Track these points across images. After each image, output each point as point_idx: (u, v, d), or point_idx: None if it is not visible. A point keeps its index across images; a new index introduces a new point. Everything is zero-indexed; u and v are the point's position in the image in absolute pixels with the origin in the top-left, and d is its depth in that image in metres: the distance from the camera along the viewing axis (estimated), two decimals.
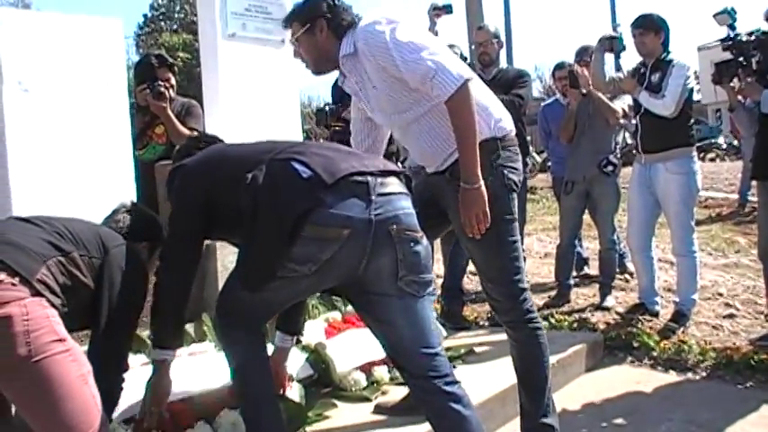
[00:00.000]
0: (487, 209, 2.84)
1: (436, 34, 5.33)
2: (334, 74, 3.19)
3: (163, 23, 44.81)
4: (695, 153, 5.27)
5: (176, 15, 44.48)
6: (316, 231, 2.32)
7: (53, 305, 2.22)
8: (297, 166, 2.39)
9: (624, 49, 5.36)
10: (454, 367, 4.00)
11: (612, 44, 5.25)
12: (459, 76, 2.77)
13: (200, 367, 3.22)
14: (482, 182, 2.83)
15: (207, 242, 3.60)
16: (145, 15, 43.77)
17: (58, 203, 3.36)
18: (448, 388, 2.52)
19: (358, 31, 2.92)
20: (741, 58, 4.64)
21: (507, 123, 3.09)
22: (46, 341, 2.11)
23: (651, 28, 5.11)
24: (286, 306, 2.82)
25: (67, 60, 3.74)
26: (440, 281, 5.40)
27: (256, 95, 4.78)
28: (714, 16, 4.79)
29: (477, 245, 2.99)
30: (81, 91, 3.78)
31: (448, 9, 5.64)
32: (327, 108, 5.92)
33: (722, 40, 4.78)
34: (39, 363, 2.08)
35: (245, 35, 4.69)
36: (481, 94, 3.04)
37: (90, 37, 3.86)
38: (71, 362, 2.16)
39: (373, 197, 2.38)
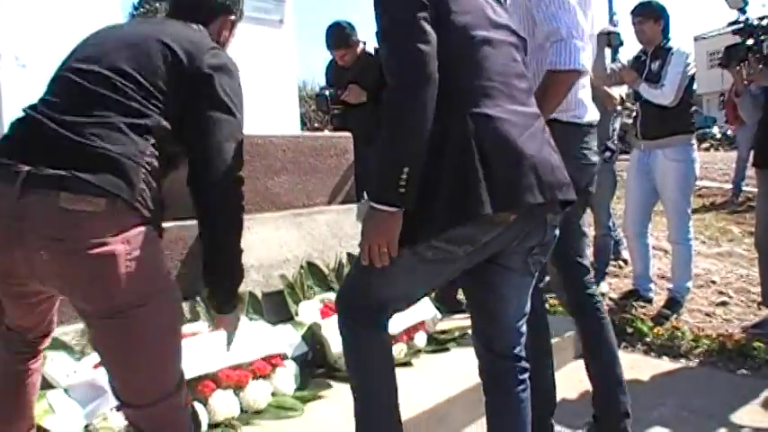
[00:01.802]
0: None
1: None
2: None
3: (158, 4, 44.59)
4: (694, 141, 5.28)
5: None
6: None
7: (151, 222, 1.99)
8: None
9: (622, 44, 5.35)
10: (448, 350, 4.08)
11: (611, 39, 5.24)
12: (577, 60, 2.62)
13: (194, 348, 3.20)
14: None
15: None
16: None
17: None
18: (521, 376, 2.42)
19: None
20: (751, 42, 4.63)
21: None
22: (148, 284, 1.94)
23: (650, 15, 5.10)
24: (415, 299, 2.42)
25: (66, 35, 3.71)
26: None
27: (252, 76, 4.74)
28: None
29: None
30: None
31: None
32: (327, 92, 5.92)
33: (732, 23, 4.76)
34: (138, 309, 1.91)
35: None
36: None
37: (88, 12, 3.83)
38: (168, 310, 2.04)
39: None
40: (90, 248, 1.83)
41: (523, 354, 2.42)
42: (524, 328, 2.43)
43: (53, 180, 1.82)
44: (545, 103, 2.55)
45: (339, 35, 5.83)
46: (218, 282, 2.24)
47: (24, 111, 2.02)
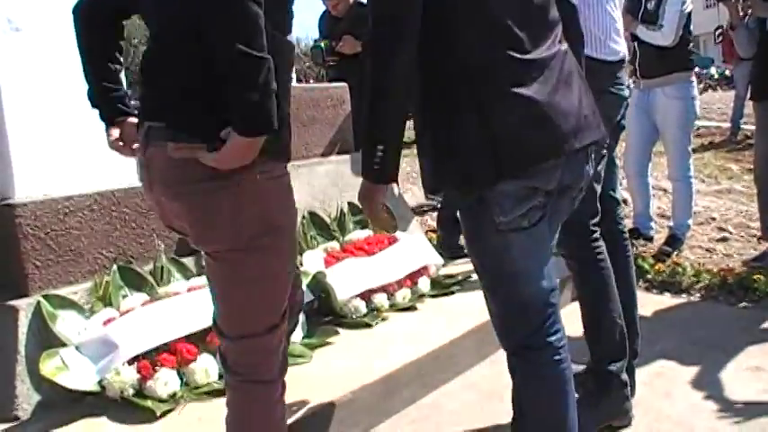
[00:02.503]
0: None
1: None
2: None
3: None
4: (694, 78, 5.27)
5: None
6: None
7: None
8: None
9: None
10: (452, 293, 4.13)
11: None
12: None
13: (201, 302, 3.24)
14: None
15: None
16: None
17: (57, 150, 3.35)
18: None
19: None
20: None
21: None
22: (249, 229, 1.95)
23: None
24: (543, 274, 2.13)
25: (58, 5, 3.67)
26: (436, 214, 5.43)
27: None
28: None
29: None
30: (72, 30, 3.71)
31: None
32: (322, 44, 5.89)
33: None
34: (237, 253, 1.96)
35: None
36: None
37: None
38: (267, 256, 2.01)
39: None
40: (191, 192, 1.90)
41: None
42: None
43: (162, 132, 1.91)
44: None
45: None
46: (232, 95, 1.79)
47: None
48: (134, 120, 2.15)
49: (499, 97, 1.95)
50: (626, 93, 3.05)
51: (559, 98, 1.99)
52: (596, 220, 2.83)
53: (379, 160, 1.93)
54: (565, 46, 2.12)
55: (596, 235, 2.83)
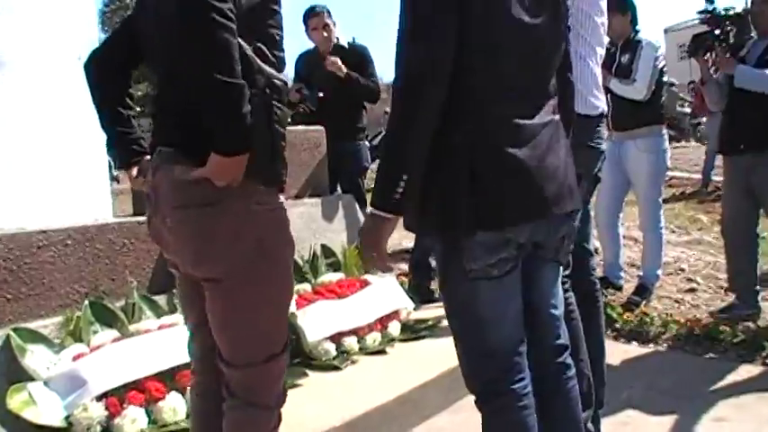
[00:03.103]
0: None
1: None
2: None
3: (129, 1, 44.27)
4: (665, 131, 5.38)
5: None
6: None
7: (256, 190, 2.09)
8: None
9: None
10: (422, 338, 4.16)
11: None
12: None
13: (172, 340, 3.24)
14: None
15: None
16: None
17: (33, 183, 3.37)
18: (569, 373, 2.35)
19: None
20: (718, 32, 4.72)
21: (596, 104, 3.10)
22: (241, 256, 2.06)
23: (617, 9, 5.15)
24: (511, 326, 2.17)
25: (43, 34, 3.71)
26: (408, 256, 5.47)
27: None
28: None
29: None
30: (54, 65, 3.76)
31: None
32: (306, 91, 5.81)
33: (700, 12, 4.85)
34: (228, 280, 2.07)
35: None
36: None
37: (62, 13, 3.84)
38: (260, 284, 2.12)
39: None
40: (193, 212, 2.03)
41: (567, 343, 2.37)
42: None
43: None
44: None
45: (315, 7, 5.76)
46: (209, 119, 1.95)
47: None
48: (149, 157, 2.27)
49: (493, 156, 2.01)
50: (604, 146, 3.12)
51: (546, 165, 2.06)
52: (567, 272, 2.87)
53: (402, 190, 1.95)
54: (557, 116, 2.19)
55: (566, 286, 2.86)
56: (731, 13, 4.79)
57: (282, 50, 2.23)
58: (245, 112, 1.89)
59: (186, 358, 3.06)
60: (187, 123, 2.00)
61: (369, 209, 2.05)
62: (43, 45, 3.71)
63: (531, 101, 2.10)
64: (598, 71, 3.04)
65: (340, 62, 5.43)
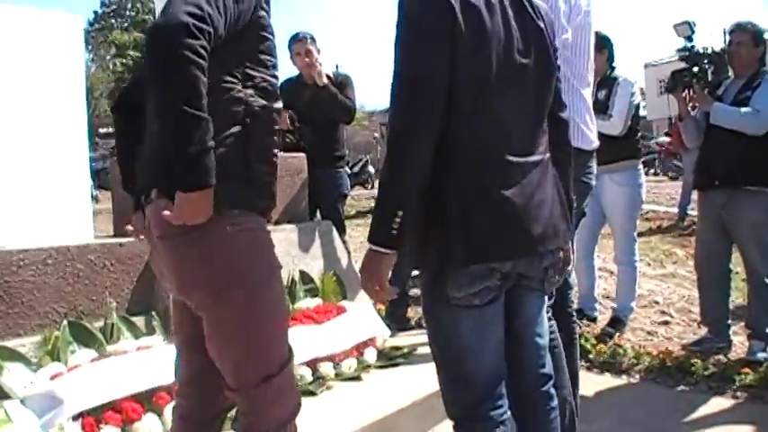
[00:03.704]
0: None
1: None
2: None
3: (113, 21, 44.38)
4: (641, 166, 5.48)
5: (127, 13, 44.11)
6: None
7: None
8: None
9: None
10: (397, 365, 4.19)
11: None
12: None
13: (149, 361, 3.26)
14: None
15: None
16: (95, 12, 43.29)
17: (15, 203, 3.39)
18: (552, 403, 2.39)
19: None
20: (696, 69, 4.82)
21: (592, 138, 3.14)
22: (220, 279, 2.09)
23: (595, 46, 5.25)
24: (493, 357, 2.22)
25: (24, 54, 3.75)
26: None
27: None
28: (674, 26, 4.91)
29: None
30: (38, 86, 3.79)
31: None
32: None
33: (679, 50, 4.94)
34: (212, 303, 2.12)
35: None
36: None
37: (49, 32, 3.88)
38: (244, 305, 2.13)
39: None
40: (171, 241, 2.09)
41: (551, 373, 2.40)
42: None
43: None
44: None
45: (299, 33, 5.81)
46: (164, 148, 2.02)
47: None
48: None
49: (484, 194, 2.07)
50: (593, 182, 3.18)
51: (534, 204, 2.13)
52: (551, 302, 2.93)
53: (398, 226, 1.99)
54: (548, 155, 2.26)
55: (549, 314, 2.92)
56: (709, 51, 4.90)
57: (275, 77, 2.25)
58: (207, 147, 1.90)
59: (164, 380, 3.11)
60: (163, 161, 2.04)
61: (369, 245, 2.07)
62: (28, 65, 3.74)
63: (523, 140, 2.16)
64: (590, 104, 3.11)
65: (324, 74, 5.53)
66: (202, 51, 1.88)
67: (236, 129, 2.08)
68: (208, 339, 2.16)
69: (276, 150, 2.31)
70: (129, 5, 44.08)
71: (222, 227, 2.05)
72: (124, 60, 37.46)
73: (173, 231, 2.03)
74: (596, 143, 3.15)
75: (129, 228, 2.43)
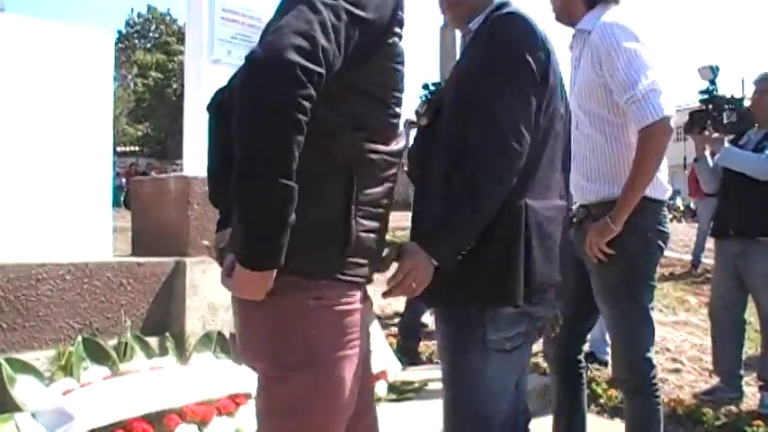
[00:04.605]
0: (606, 249, 2.85)
1: None
2: None
3: (137, 41, 44.93)
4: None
5: (151, 34, 44.65)
6: None
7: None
8: None
9: None
10: (408, 399, 4.17)
11: None
12: (660, 109, 2.72)
13: (161, 382, 3.26)
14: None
15: (176, 259, 3.69)
16: (119, 32, 43.73)
17: (36, 217, 3.41)
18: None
19: (603, 20, 2.89)
20: (715, 113, 4.82)
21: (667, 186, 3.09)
22: (273, 358, 1.80)
23: None
24: (510, 397, 2.26)
25: (54, 70, 3.80)
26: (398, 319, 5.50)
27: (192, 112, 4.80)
28: (699, 70, 4.93)
29: (610, 305, 3.01)
30: (66, 101, 3.83)
31: None
32: None
33: (702, 92, 4.96)
34: (264, 379, 1.86)
35: (229, 61, 4.76)
36: None
37: (81, 48, 3.93)
38: (289, 392, 1.80)
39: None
40: (241, 302, 1.77)
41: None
42: None
43: None
44: (645, 162, 2.76)
45: None
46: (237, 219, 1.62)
47: None
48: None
49: (541, 233, 2.12)
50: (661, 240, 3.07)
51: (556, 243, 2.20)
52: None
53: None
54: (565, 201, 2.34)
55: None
56: (729, 95, 4.90)
57: (395, 116, 1.88)
58: (284, 224, 1.55)
59: (175, 402, 3.11)
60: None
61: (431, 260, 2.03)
62: (57, 80, 3.78)
63: (561, 185, 2.28)
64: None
65: None
66: (307, 104, 1.52)
67: (336, 180, 1.72)
68: (257, 412, 1.89)
69: (386, 201, 1.88)
70: (153, 27, 44.65)
71: (303, 300, 1.72)
72: (146, 81, 37.88)
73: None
74: (670, 190, 3.18)
75: (206, 243, 2.28)
